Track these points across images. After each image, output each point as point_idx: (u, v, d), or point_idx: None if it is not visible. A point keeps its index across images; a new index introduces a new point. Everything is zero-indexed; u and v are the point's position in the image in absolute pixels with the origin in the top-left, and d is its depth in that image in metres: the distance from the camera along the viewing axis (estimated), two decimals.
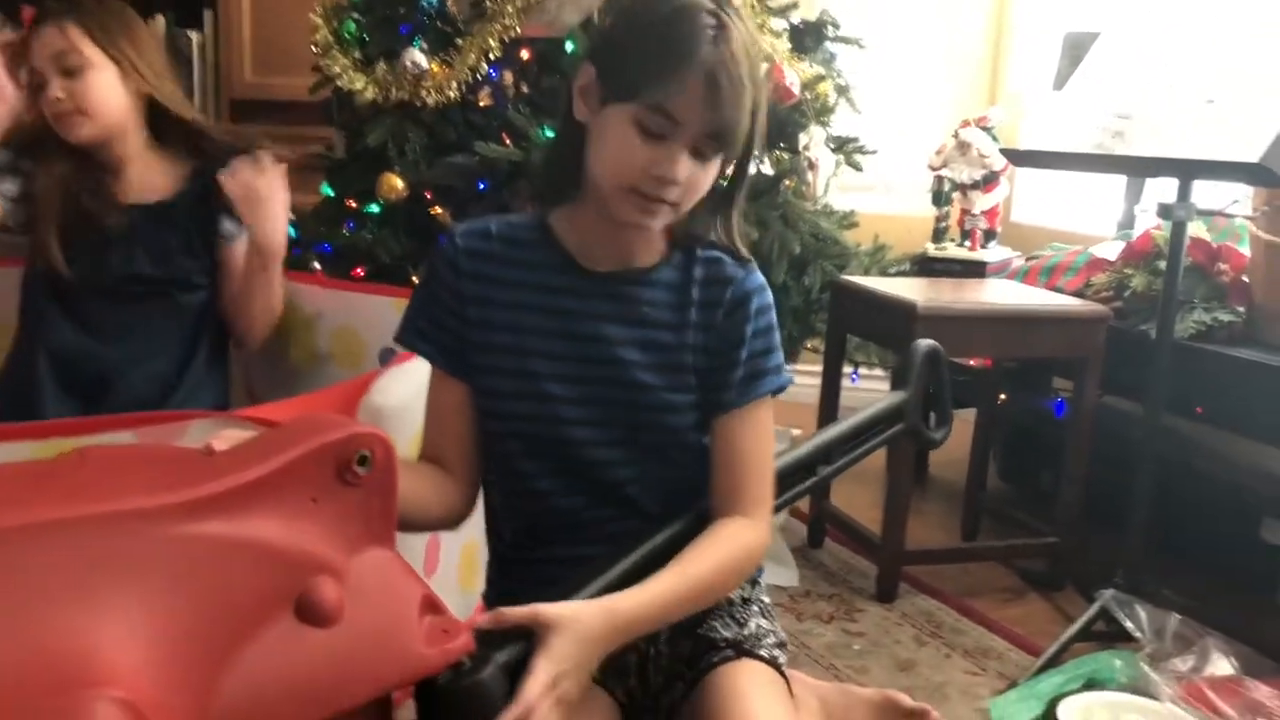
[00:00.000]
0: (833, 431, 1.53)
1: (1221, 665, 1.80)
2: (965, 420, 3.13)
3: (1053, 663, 1.86)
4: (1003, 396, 2.60)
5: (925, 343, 1.70)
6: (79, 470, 0.97)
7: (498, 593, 1.33)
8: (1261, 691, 1.74)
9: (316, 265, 2.28)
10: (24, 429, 1.18)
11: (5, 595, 0.79)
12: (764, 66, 1.17)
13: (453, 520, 1.28)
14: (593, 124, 1.15)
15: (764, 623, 1.32)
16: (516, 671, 1.05)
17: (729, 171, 1.21)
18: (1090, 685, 1.78)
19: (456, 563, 1.66)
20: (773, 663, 1.28)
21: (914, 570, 2.24)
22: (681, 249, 1.22)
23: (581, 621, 1.05)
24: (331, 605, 0.92)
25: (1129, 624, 1.88)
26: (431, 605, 0.99)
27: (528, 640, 1.06)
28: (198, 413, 1.23)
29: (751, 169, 1.25)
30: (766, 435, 1.24)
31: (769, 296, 1.25)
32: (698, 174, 1.13)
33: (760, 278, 1.25)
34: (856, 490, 2.54)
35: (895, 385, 1.68)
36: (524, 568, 1.30)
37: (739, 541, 1.19)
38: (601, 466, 1.24)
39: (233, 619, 0.88)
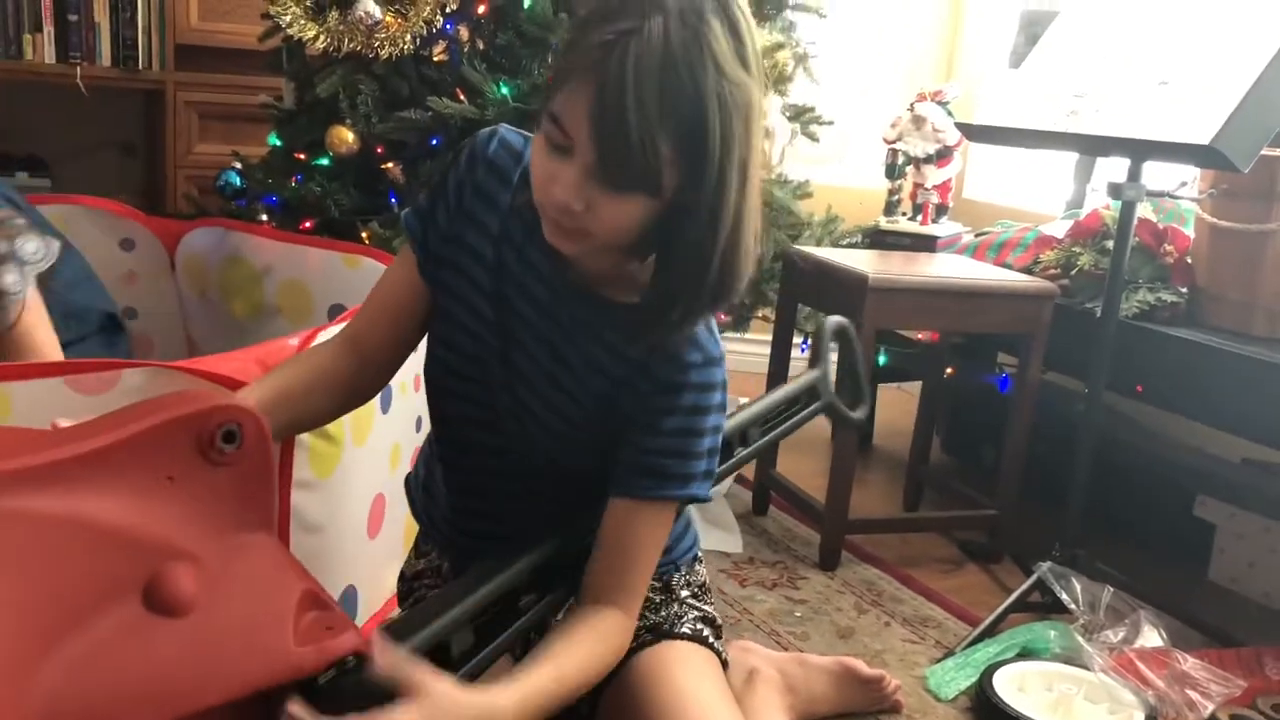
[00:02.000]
0: (747, 411, 1.52)
1: (1152, 637, 1.84)
2: (910, 393, 3.17)
3: (989, 632, 1.89)
4: (949, 370, 2.63)
5: (835, 320, 1.70)
6: None
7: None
8: (1189, 663, 1.78)
9: (264, 217, 2.24)
10: None
11: None
12: (730, 95, 0.95)
13: (349, 408, 1.23)
14: None
15: (685, 607, 1.31)
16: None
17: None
18: (1025, 654, 1.81)
19: (402, 526, 1.65)
20: (696, 637, 1.27)
21: (856, 539, 2.27)
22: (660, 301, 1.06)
23: (450, 708, 0.93)
24: (185, 594, 0.83)
25: (1064, 596, 1.91)
26: (314, 600, 0.91)
27: (431, 640, 1.01)
28: (132, 361, 1.20)
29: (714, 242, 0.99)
30: (658, 534, 1.15)
31: (712, 400, 1.12)
32: (605, 206, 0.97)
33: (714, 375, 1.12)
34: (801, 459, 2.56)
35: (810, 364, 1.68)
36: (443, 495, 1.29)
37: (611, 644, 1.13)
38: (501, 448, 1.20)
39: (60, 604, 0.79)
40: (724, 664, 1.29)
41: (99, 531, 0.81)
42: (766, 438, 1.55)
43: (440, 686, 0.93)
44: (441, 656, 1.05)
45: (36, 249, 1.46)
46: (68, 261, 1.60)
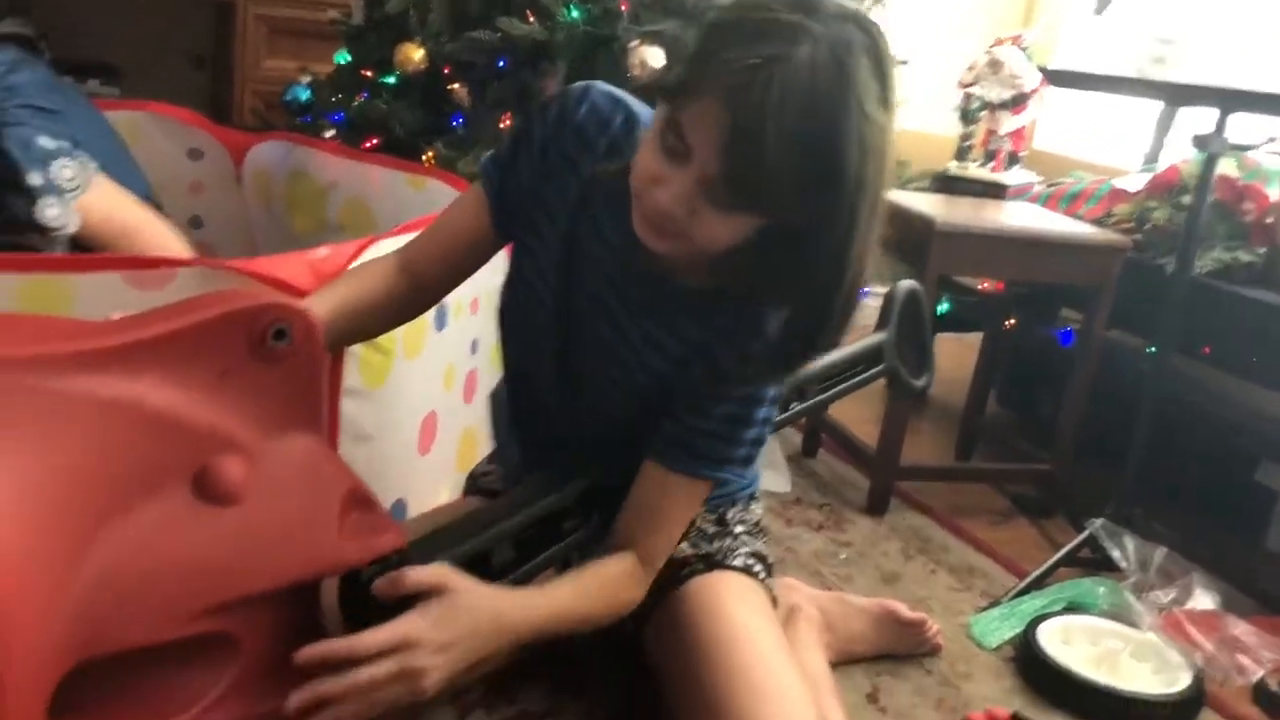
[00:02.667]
0: (810, 368, 1.50)
1: (1203, 600, 1.82)
2: (969, 344, 3.13)
3: (1036, 585, 1.88)
4: (1010, 322, 2.58)
5: (907, 284, 1.67)
6: None
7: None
8: (1240, 628, 1.76)
9: (329, 133, 2.24)
10: (10, 260, 1.16)
11: None
12: (870, 138, 0.91)
13: (396, 325, 1.26)
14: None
15: (738, 541, 1.32)
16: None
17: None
18: (1071, 609, 1.80)
19: (455, 447, 1.66)
20: (747, 571, 1.28)
21: (906, 486, 2.25)
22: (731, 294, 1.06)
23: (472, 602, 0.97)
24: (233, 484, 0.86)
25: (1115, 553, 1.89)
26: (360, 499, 0.93)
27: (472, 550, 1.03)
28: (189, 259, 1.21)
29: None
30: (689, 507, 1.16)
31: (765, 393, 1.11)
32: (709, 219, 0.94)
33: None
34: (854, 404, 2.52)
35: (878, 326, 1.65)
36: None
37: (626, 593, 1.14)
38: (548, 401, 1.22)
39: (112, 485, 0.81)
40: (773, 601, 1.30)
41: (153, 417, 0.83)
42: (823, 396, 1.54)
43: (460, 585, 0.96)
44: (481, 567, 1.07)
45: (73, 175, 1.46)
46: (98, 146, 1.60)
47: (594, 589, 1.11)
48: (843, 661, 1.54)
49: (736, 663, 1.12)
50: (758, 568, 1.30)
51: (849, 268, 0.95)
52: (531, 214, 1.16)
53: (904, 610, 1.59)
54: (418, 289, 1.20)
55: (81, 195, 1.47)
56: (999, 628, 1.74)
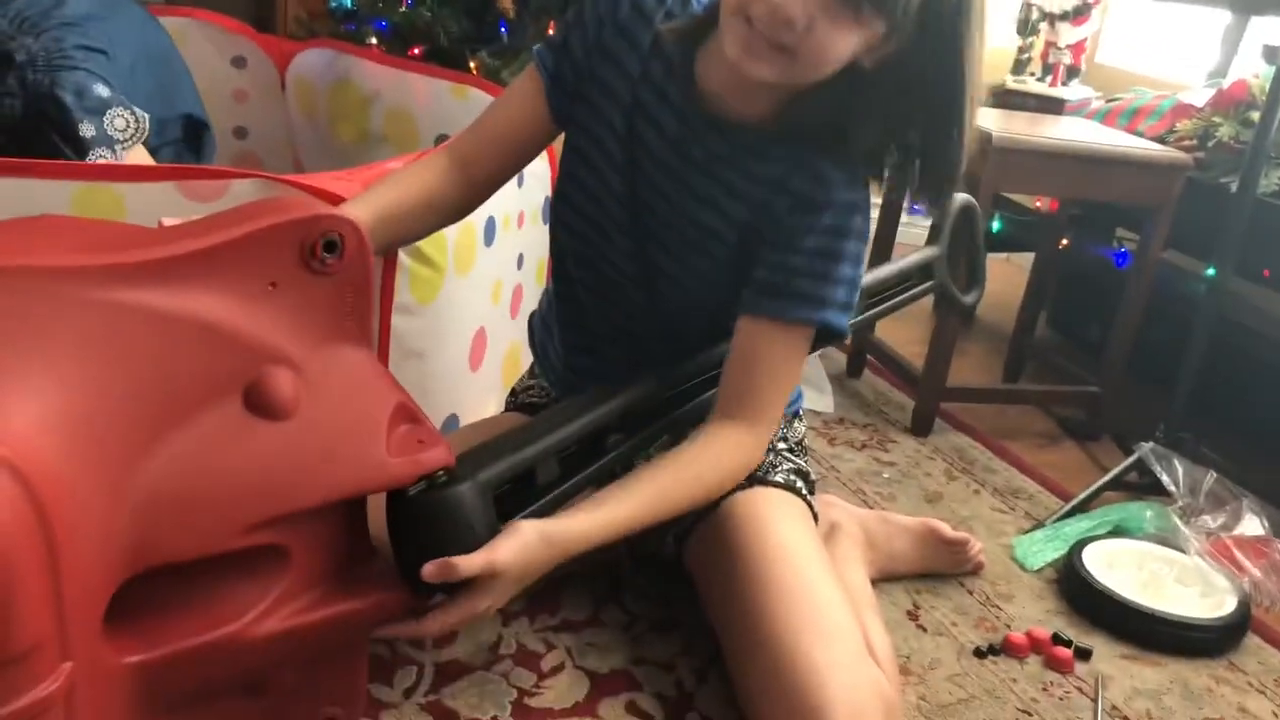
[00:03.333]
0: (869, 280, 1.47)
1: (1252, 525, 1.79)
2: (1020, 265, 3.07)
3: (1082, 508, 1.86)
4: (1064, 242, 2.53)
5: (962, 197, 1.62)
6: (19, 228, 0.90)
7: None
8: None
9: (373, 41, 2.21)
10: (65, 168, 1.15)
11: None
12: None
13: (447, 224, 1.24)
14: None
15: (780, 457, 1.31)
16: (501, 499, 0.99)
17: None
18: (1117, 533, 1.78)
19: (502, 362, 1.66)
20: (789, 487, 1.27)
21: (951, 407, 2.23)
22: (795, 122, 1.05)
23: (545, 552, 0.99)
24: (284, 398, 0.85)
25: (1164, 477, 1.86)
26: (408, 414, 0.93)
27: (517, 467, 1.03)
28: (244, 171, 1.20)
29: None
30: (790, 358, 1.13)
31: (855, 223, 1.08)
32: (825, 29, 0.93)
33: (856, 198, 1.08)
34: (900, 325, 2.51)
35: (930, 240, 1.61)
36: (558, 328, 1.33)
37: (733, 460, 1.13)
38: (622, 288, 1.21)
39: (167, 397, 0.81)
40: (814, 517, 1.30)
41: (205, 329, 0.83)
42: (871, 311, 1.52)
43: (509, 559, 0.96)
44: (526, 483, 1.07)
45: (126, 124, 1.43)
46: (151, 49, 1.57)
47: (687, 477, 1.10)
48: (884, 579, 1.54)
49: (775, 575, 1.12)
50: (799, 484, 1.30)
51: (967, 88, 0.97)
52: (590, 96, 1.14)
53: (947, 529, 1.58)
54: (469, 184, 1.18)
55: (132, 148, 1.44)
56: (1042, 549, 1.73)
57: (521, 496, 1.06)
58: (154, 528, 0.81)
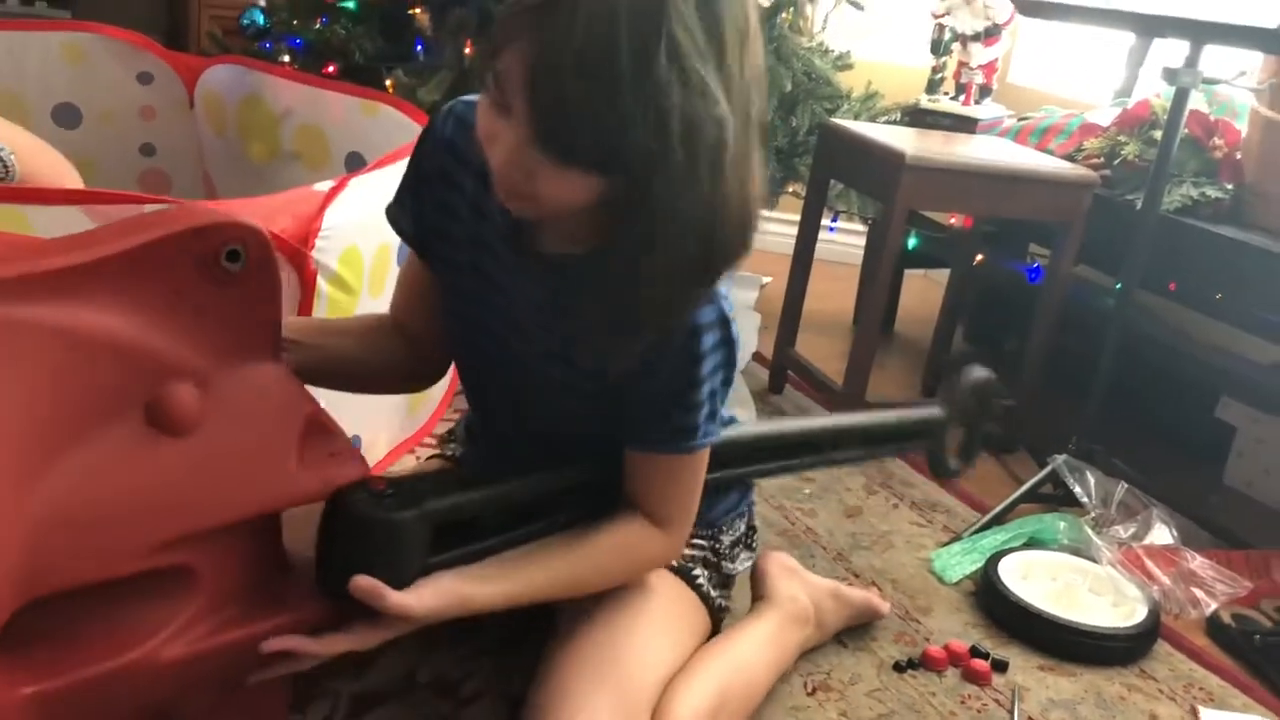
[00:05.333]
0: (852, 420, 1.49)
1: (1162, 535, 1.84)
2: (936, 281, 3.12)
3: (998, 520, 1.89)
4: (979, 258, 2.57)
5: (981, 372, 1.61)
6: None
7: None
8: (1196, 562, 1.78)
9: (286, 59, 2.18)
10: None
11: None
12: (700, 42, 0.81)
13: (416, 382, 1.24)
14: None
15: (694, 547, 1.27)
16: (440, 529, 0.97)
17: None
18: (1032, 544, 1.81)
19: None
20: (680, 570, 1.23)
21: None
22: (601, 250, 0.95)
23: (441, 615, 0.96)
24: (187, 412, 0.82)
25: (1077, 489, 1.90)
26: (319, 426, 0.90)
27: (464, 510, 1.00)
28: (155, 196, 1.17)
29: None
30: (690, 476, 1.10)
31: (705, 344, 1.00)
32: (546, 175, 0.86)
33: (707, 316, 1.00)
34: (820, 340, 2.54)
35: (939, 394, 1.60)
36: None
37: (644, 550, 1.11)
38: (513, 406, 1.18)
39: (59, 416, 0.77)
40: (719, 609, 1.27)
41: (100, 344, 0.79)
42: (860, 453, 1.52)
43: (429, 605, 0.94)
44: (461, 527, 1.03)
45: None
46: None
47: (599, 549, 1.08)
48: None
49: (577, 641, 1.10)
50: (697, 571, 1.25)
51: (690, 220, 0.85)
52: (439, 245, 1.13)
53: (885, 607, 1.56)
54: (413, 341, 1.19)
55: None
56: (960, 562, 1.75)
57: (449, 539, 1.01)
58: (49, 551, 0.77)
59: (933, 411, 1.56)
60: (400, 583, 0.92)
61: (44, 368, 0.76)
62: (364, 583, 0.91)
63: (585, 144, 0.82)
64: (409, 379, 1.24)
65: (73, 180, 1.53)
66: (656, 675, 1.11)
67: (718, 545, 1.30)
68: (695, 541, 1.27)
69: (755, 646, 1.28)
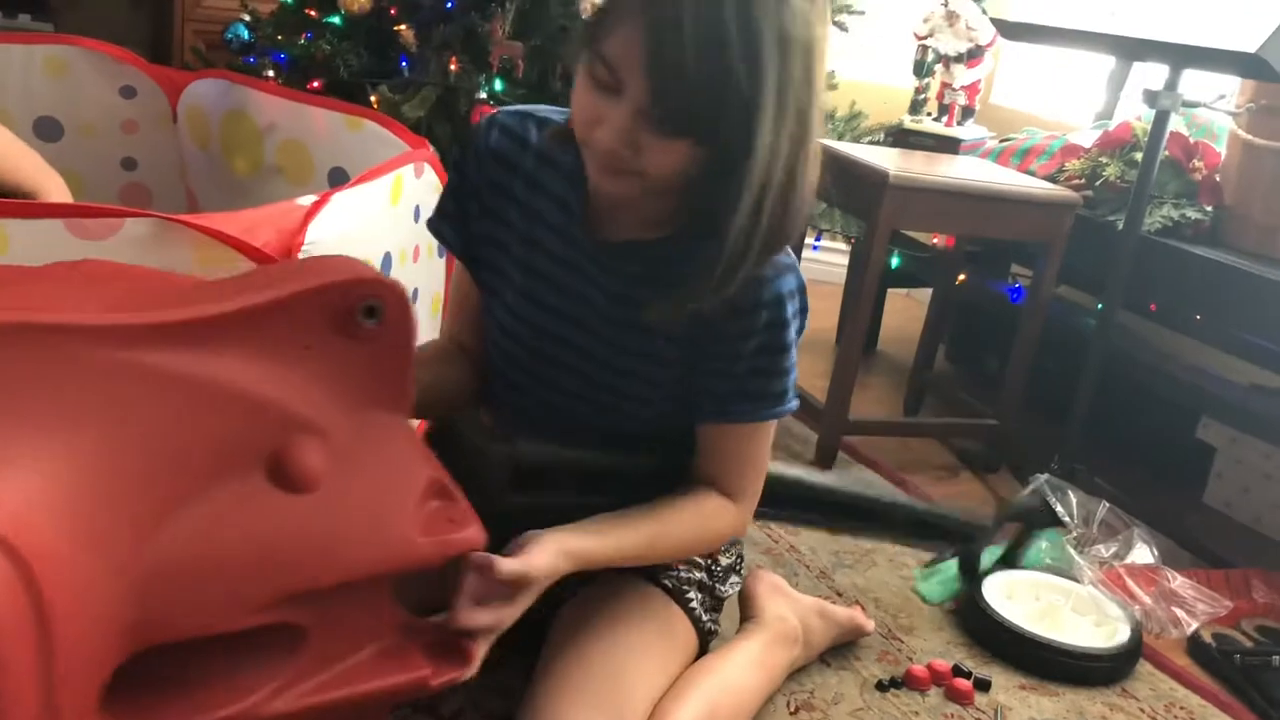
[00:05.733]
0: (908, 501, 1.62)
1: (1143, 554, 1.84)
2: (919, 300, 3.14)
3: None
4: (960, 278, 2.59)
5: (1036, 502, 1.76)
6: (57, 276, 0.85)
7: None
8: (1177, 581, 1.78)
9: (270, 74, 2.17)
10: None
11: None
12: (791, 30, 0.90)
13: (470, 398, 1.25)
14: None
15: (686, 565, 1.27)
16: (525, 474, 1.03)
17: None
18: (1010, 560, 1.81)
19: None
20: (675, 593, 1.24)
21: (854, 440, 2.25)
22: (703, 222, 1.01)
23: (554, 573, 1.01)
24: (310, 470, 0.80)
25: (1059, 508, 1.90)
26: (439, 489, 0.88)
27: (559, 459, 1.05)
28: (137, 211, 1.16)
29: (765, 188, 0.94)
30: (759, 447, 1.16)
31: (790, 310, 1.07)
32: (655, 148, 0.93)
33: (785, 284, 1.07)
34: (804, 357, 2.52)
35: (997, 520, 1.73)
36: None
37: (719, 521, 1.15)
38: (563, 410, 1.19)
39: (181, 468, 0.76)
40: (709, 633, 1.27)
41: (231, 395, 0.77)
42: (899, 533, 1.67)
43: (544, 567, 0.98)
44: (538, 479, 1.08)
45: None
46: None
47: (680, 524, 1.12)
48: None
49: (568, 661, 1.11)
50: (691, 594, 1.25)
51: (774, 175, 0.93)
52: (488, 252, 1.17)
53: (869, 625, 1.56)
54: (474, 358, 1.24)
55: None
56: (943, 582, 1.75)
57: (528, 486, 1.06)
58: (160, 603, 0.76)
59: (983, 521, 1.69)
60: (480, 513, 0.91)
61: (170, 416, 0.75)
62: (477, 559, 0.93)
63: (697, 114, 0.90)
64: (473, 397, 1.25)
65: (58, 188, 1.53)
66: (647, 696, 1.12)
67: (715, 567, 1.31)
68: (695, 560, 1.28)
69: (744, 667, 1.28)
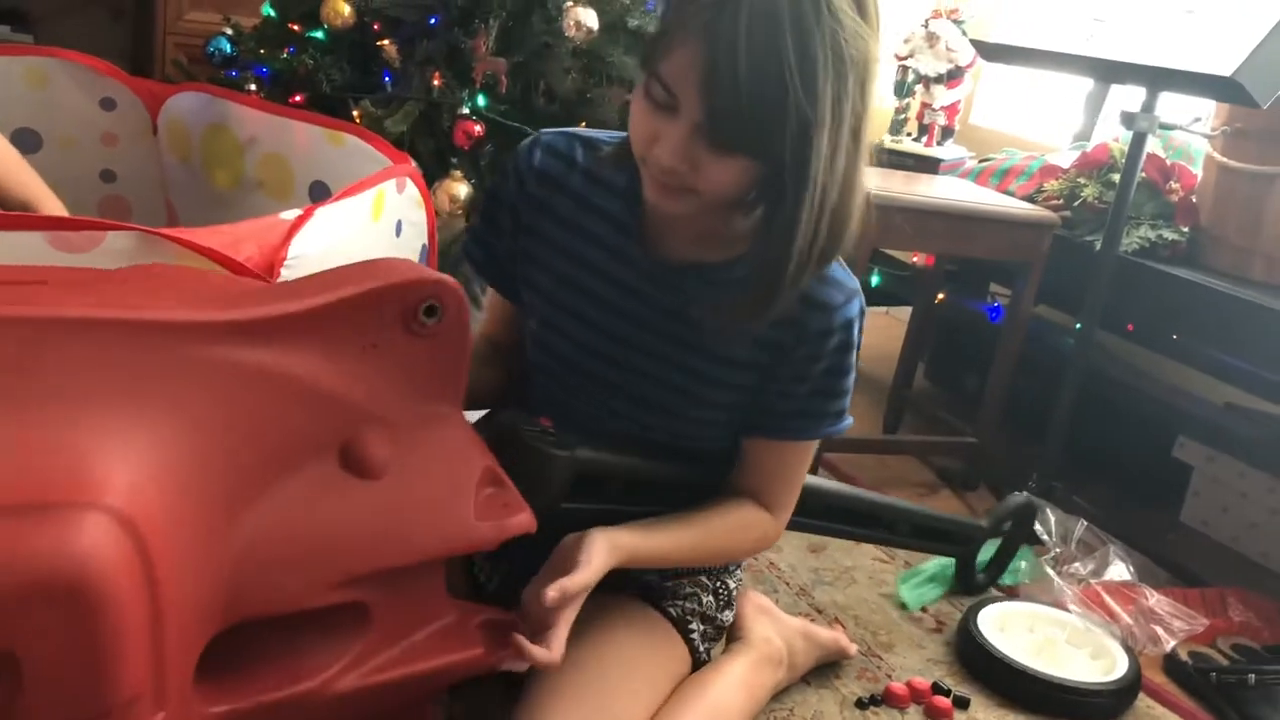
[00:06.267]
0: (910, 508, 1.64)
1: (1119, 571, 1.85)
2: (900, 319, 3.15)
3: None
4: (940, 296, 2.60)
5: (1024, 497, 1.82)
6: (136, 280, 0.91)
7: None
8: (1154, 599, 1.79)
9: (253, 88, 2.16)
10: None
11: (1, 385, 0.72)
12: (845, 49, 0.92)
13: (501, 395, 1.27)
14: None
15: (692, 586, 1.28)
16: (580, 489, 1.06)
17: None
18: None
19: None
20: (678, 621, 1.24)
21: (833, 458, 2.26)
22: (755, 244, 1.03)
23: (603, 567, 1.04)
24: (379, 458, 0.87)
25: (1037, 526, 1.91)
26: (493, 478, 0.95)
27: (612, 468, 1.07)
28: (119, 224, 1.15)
29: (809, 203, 0.95)
30: (803, 463, 1.19)
31: (855, 332, 1.10)
32: (711, 165, 0.95)
33: (852, 307, 1.09)
34: None
35: (991, 519, 1.78)
36: None
37: (756, 532, 1.18)
38: (603, 420, 1.20)
39: (264, 455, 0.82)
40: (702, 661, 1.28)
41: (307, 387, 0.83)
42: (905, 539, 1.66)
43: (600, 561, 1.02)
44: (595, 485, 1.11)
45: None
46: None
47: (722, 529, 1.15)
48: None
49: (561, 681, 1.10)
50: (693, 625, 1.26)
51: (830, 190, 0.95)
52: (526, 270, 1.18)
53: (852, 648, 1.56)
54: (507, 355, 1.26)
55: None
56: (924, 590, 1.76)
57: (578, 492, 1.09)
58: (247, 582, 0.82)
59: (977, 523, 1.72)
60: (538, 516, 0.96)
61: (256, 408, 0.81)
62: (554, 593, 0.98)
63: (754, 131, 0.91)
64: (508, 394, 1.26)
65: (53, 202, 1.54)
66: (635, 716, 1.12)
67: (721, 589, 1.32)
68: (702, 582, 1.29)
69: (730, 689, 1.28)
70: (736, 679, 1.30)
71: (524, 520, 0.92)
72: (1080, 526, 1.91)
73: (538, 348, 1.20)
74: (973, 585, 1.76)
